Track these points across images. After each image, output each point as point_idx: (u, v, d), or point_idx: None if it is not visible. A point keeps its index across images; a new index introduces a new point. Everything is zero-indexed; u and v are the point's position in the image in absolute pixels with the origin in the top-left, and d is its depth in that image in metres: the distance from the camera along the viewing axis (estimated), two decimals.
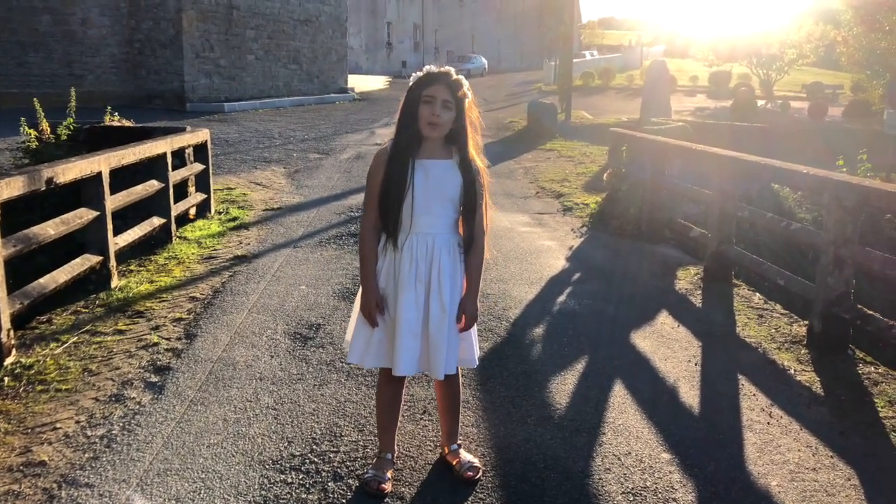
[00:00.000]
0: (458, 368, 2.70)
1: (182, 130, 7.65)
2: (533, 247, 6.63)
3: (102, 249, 5.11)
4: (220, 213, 7.90)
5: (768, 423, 3.28)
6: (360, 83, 30.60)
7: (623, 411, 3.37)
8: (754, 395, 3.59)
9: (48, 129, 9.07)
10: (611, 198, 8.34)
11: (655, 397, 3.54)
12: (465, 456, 2.81)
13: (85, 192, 5.05)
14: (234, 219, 7.58)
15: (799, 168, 4.40)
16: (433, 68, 2.52)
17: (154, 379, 3.65)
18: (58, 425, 3.18)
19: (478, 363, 2.82)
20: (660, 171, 6.91)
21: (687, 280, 5.65)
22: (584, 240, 7.04)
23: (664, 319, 4.71)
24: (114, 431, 3.11)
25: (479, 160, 2.58)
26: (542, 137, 15.78)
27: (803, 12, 37.05)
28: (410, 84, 2.53)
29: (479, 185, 2.55)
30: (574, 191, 9.74)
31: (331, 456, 2.92)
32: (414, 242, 2.53)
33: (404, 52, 44.47)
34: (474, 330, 2.70)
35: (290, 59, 24.33)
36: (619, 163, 8.38)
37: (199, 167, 7.65)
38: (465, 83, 2.52)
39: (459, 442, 2.87)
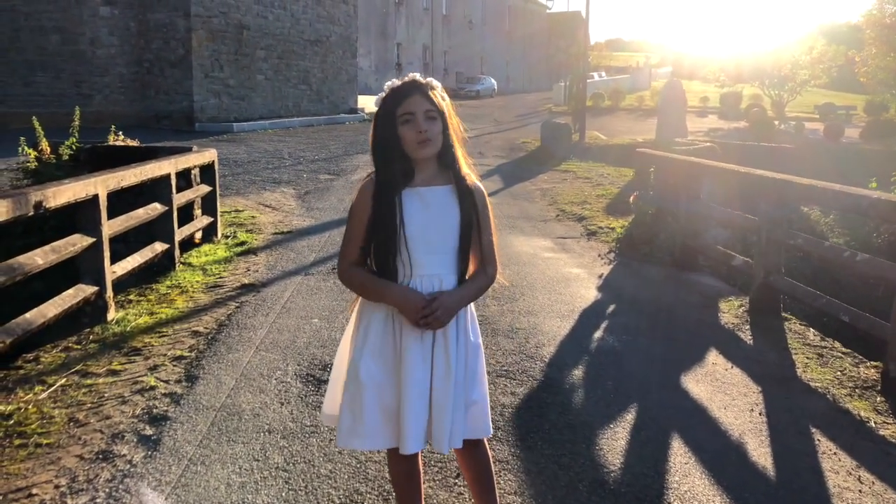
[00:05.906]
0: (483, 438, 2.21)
1: (188, 150, 7.29)
2: (559, 275, 6.20)
3: (98, 279, 4.71)
4: (227, 237, 7.51)
5: (860, 491, 2.81)
6: (370, 104, 30.41)
7: (687, 474, 2.91)
8: (835, 453, 3.12)
9: (48, 148, 8.72)
10: (638, 221, 7.91)
11: (721, 456, 3.08)
12: None
13: (79, 216, 4.65)
14: (242, 243, 7.18)
15: (868, 193, 3.96)
16: (396, 81, 2.06)
17: (149, 431, 3.22)
18: (34, 490, 2.75)
19: (492, 432, 2.31)
20: (694, 194, 6.49)
21: (731, 313, 5.19)
22: (614, 267, 6.60)
23: (714, 359, 4.26)
24: (98, 500, 2.67)
25: (474, 177, 2.11)
26: (556, 158, 15.40)
27: (813, 33, 36.82)
28: (378, 109, 2.07)
29: (478, 205, 2.08)
30: (596, 214, 9.30)
31: None
32: (419, 287, 2.04)
33: (414, 73, 44.41)
34: (486, 394, 2.19)
35: (300, 79, 24.13)
36: (647, 185, 7.96)
37: (205, 189, 7.27)
38: (437, 84, 2.09)
39: None
